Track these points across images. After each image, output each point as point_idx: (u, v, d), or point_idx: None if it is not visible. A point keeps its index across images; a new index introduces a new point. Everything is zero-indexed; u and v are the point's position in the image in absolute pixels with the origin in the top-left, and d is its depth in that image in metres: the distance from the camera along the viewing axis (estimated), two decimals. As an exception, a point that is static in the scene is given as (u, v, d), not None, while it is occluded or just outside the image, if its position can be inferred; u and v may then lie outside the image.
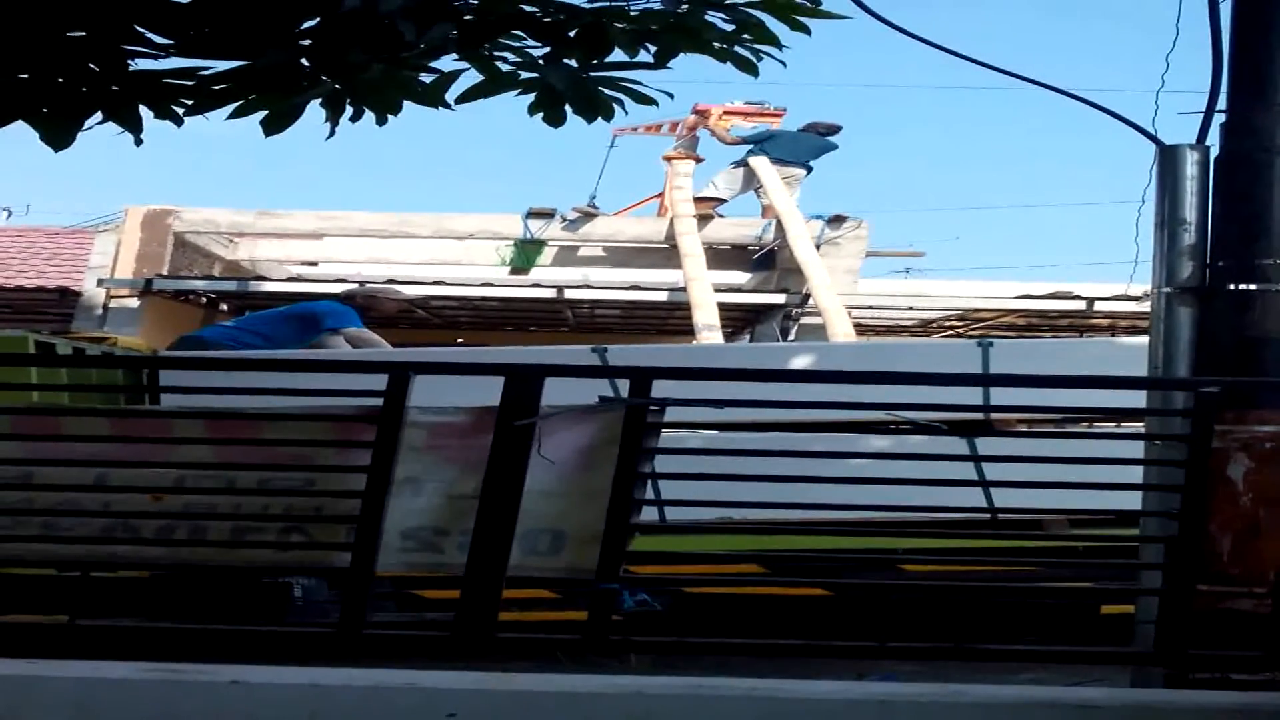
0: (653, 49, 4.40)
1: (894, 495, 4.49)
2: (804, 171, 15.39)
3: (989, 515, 6.80)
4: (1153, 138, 4.87)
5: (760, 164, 14.95)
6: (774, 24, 4.42)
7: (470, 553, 4.27)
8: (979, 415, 6.21)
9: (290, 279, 14.86)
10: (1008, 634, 4.44)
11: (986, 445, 5.96)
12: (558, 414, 4.26)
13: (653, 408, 4.25)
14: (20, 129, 4.42)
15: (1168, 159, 4.78)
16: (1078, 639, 4.39)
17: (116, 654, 4.01)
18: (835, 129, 15.72)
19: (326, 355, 8.96)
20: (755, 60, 4.51)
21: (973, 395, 6.27)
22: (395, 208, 16.49)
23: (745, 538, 6.96)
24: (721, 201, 15.55)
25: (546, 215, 15.05)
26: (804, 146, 15.40)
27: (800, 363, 8.06)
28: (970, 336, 14.25)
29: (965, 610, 4.62)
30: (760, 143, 15.36)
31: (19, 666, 3.81)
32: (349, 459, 4.39)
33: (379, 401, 4.35)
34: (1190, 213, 4.72)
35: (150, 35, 4.34)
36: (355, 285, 12.29)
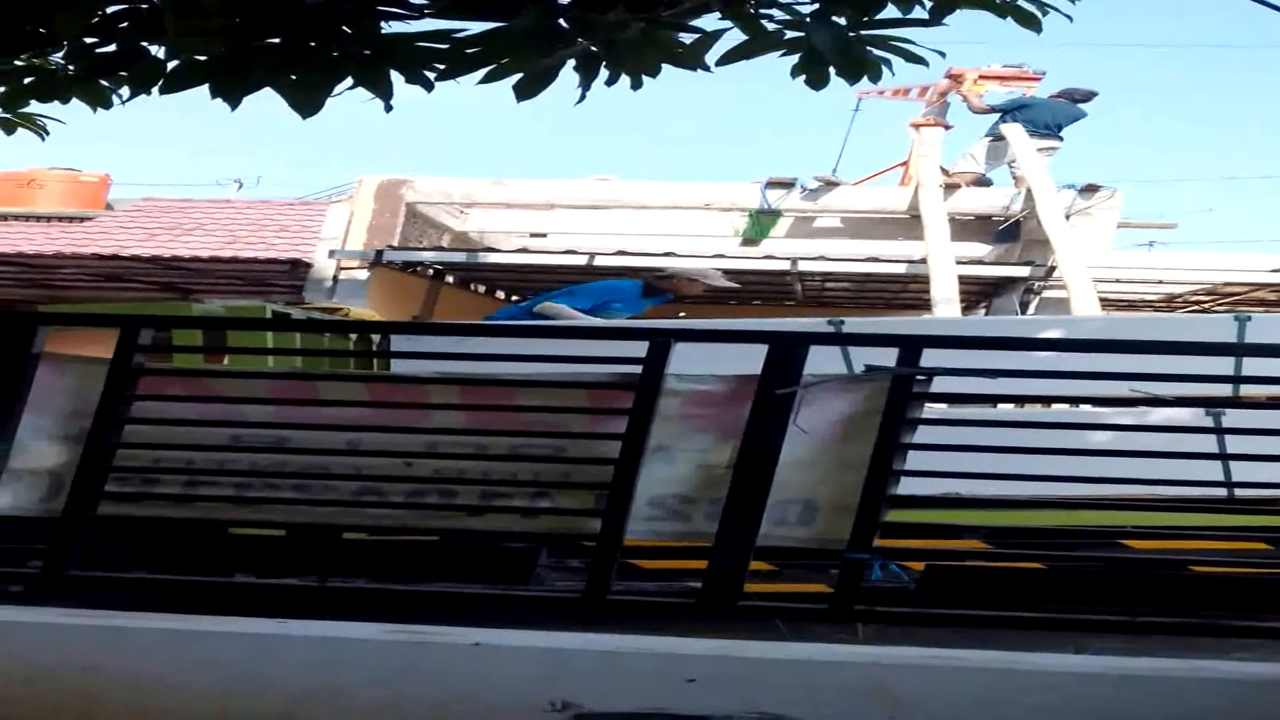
0: (928, 4, 4.15)
1: (1128, 469, 4.46)
2: (1060, 143, 14.75)
3: (1225, 492, 6.53)
4: None
5: (1014, 132, 14.36)
6: None
7: (721, 522, 4.23)
8: (1229, 390, 5.97)
9: (518, 250, 14.87)
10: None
11: (1233, 420, 5.75)
12: (821, 382, 4.18)
13: (919, 378, 4.15)
14: (257, 99, 4.38)
15: None
16: None
17: (362, 615, 4.06)
18: (1091, 95, 14.99)
19: (575, 324, 8.93)
20: (1040, 15, 4.22)
21: (1226, 371, 6.03)
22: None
23: (972, 512, 6.79)
24: (981, 176, 15.08)
25: (786, 185, 14.77)
26: (1059, 114, 14.74)
27: (1053, 336, 7.85)
28: (1217, 311, 13.73)
29: (1193, 588, 4.48)
30: (1011, 111, 14.74)
31: (268, 625, 3.90)
32: (602, 426, 4.37)
33: (626, 368, 4.33)
34: None
35: None
36: (585, 256, 12.24)
